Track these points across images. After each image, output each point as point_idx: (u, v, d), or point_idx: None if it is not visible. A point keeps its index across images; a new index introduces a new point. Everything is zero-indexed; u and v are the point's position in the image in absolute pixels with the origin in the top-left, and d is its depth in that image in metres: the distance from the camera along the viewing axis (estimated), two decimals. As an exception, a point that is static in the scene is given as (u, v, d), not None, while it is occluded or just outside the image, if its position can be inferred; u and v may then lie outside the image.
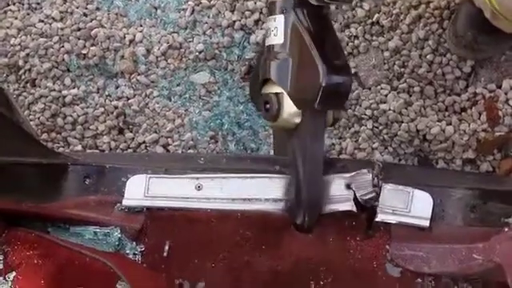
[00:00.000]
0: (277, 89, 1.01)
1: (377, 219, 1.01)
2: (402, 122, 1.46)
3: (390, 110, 1.47)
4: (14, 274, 0.91)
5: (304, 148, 1.02)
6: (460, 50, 1.44)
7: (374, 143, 1.46)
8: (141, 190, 1.06)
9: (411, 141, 1.45)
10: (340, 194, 1.03)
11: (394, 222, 1.01)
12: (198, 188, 1.06)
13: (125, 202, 1.06)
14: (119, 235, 1.03)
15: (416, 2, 1.50)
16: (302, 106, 0.99)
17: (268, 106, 1.02)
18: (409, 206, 1.01)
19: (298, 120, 1.01)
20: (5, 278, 0.91)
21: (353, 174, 1.02)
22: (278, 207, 1.04)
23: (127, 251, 1.03)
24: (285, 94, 1.00)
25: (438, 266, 0.97)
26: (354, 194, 1.02)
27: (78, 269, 0.93)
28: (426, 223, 1.01)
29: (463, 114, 1.45)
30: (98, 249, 1.01)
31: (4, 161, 0.98)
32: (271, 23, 1.02)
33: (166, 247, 1.06)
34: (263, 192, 1.05)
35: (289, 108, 1.00)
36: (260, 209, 1.04)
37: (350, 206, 1.01)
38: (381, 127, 1.46)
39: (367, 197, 1.02)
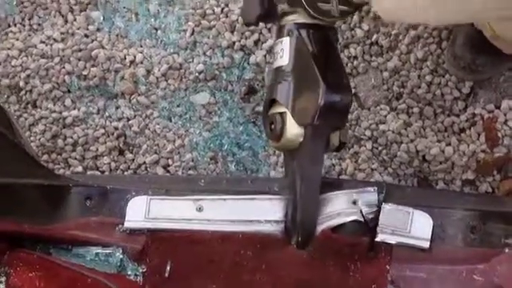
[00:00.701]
0: (282, 109, 1.03)
1: (377, 239, 1.02)
2: (402, 143, 1.46)
3: (389, 130, 1.48)
4: (16, 295, 0.92)
5: (302, 168, 1.03)
6: (459, 71, 1.45)
7: (373, 164, 1.47)
8: (142, 212, 1.07)
9: (411, 161, 1.45)
10: (346, 208, 1.03)
11: (393, 242, 1.02)
12: (199, 209, 1.07)
13: (126, 224, 1.06)
14: (121, 256, 1.03)
15: (415, 22, 1.51)
16: (303, 123, 1.01)
17: (273, 126, 1.04)
18: (409, 226, 1.02)
19: (300, 140, 1.02)
20: (7, 300, 0.91)
21: (359, 190, 1.03)
22: (277, 229, 1.05)
23: (129, 272, 1.04)
24: (288, 113, 1.02)
25: (438, 288, 0.98)
26: (360, 210, 1.03)
27: (80, 291, 0.93)
28: (426, 244, 1.01)
29: (462, 134, 1.46)
30: (100, 270, 1.01)
31: (6, 182, 0.99)
32: (278, 46, 1.06)
33: (168, 268, 1.06)
34: (263, 213, 1.06)
35: (292, 127, 1.02)
36: (260, 230, 1.05)
37: (356, 216, 1.02)
38: (380, 148, 1.47)
39: (371, 216, 1.03)
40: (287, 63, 1.04)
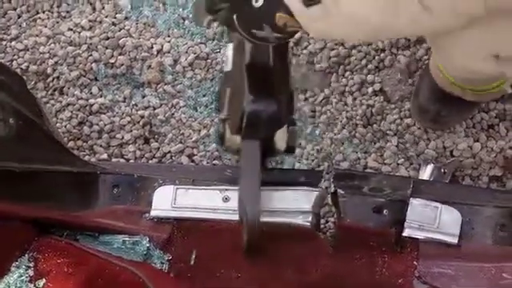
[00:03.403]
0: (223, 114, 1.06)
1: (404, 234, 1.01)
2: (429, 139, 1.45)
3: (414, 125, 1.47)
4: (43, 281, 0.92)
5: (242, 175, 1.03)
6: (425, 123, 1.45)
7: (399, 159, 1.46)
8: (168, 201, 1.07)
9: (438, 158, 1.44)
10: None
11: (421, 237, 1.01)
12: (226, 200, 1.07)
13: (153, 213, 1.07)
14: (147, 244, 1.04)
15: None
16: (233, 132, 1.03)
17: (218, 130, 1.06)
18: (437, 221, 1.01)
19: (238, 146, 1.04)
20: (35, 285, 0.91)
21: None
22: (304, 220, 1.05)
23: (155, 260, 1.04)
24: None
25: (466, 285, 0.97)
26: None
27: (108, 278, 0.93)
28: (455, 240, 1.00)
29: (491, 130, 1.44)
30: (126, 258, 1.01)
31: (35, 168, 0.99)
32: (226, 51, 1.06)
33: (193, 256, 1.06)
34: (290, 204, 1.06)
35: (229, 134, 1.05)
36: (287, 221, 1.05)
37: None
38: (407, 144, 1.46)
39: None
40: (229, 70, 1.04)
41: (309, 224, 1.03)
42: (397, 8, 0.79)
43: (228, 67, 1.05)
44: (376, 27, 0.83)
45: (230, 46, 1.04)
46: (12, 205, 0.94)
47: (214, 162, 1.51)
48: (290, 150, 1.06)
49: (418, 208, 1.02)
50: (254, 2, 0.84)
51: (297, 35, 1.53)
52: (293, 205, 1.05)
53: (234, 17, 0.87)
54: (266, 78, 1.00)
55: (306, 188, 1.06)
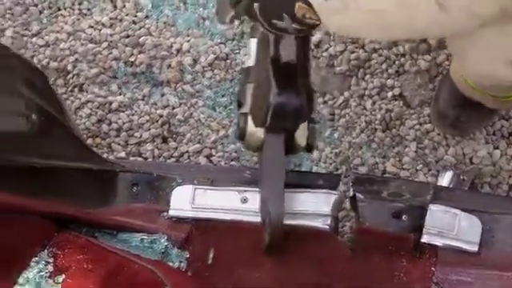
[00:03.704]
0: (246, 109, 1.05)
1: (423, 240, 1.01)
2: (448, 146, 1.45)
3: (434, 131, 1.46)
4: (63, 276, 0.92)
5: (265, 167, 1.04)
6: (446, 129, 1.45)
7: (418, 165, 1.45)
8: (187, 201, 1.07)
9: (457, 164, 1.43)
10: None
11: (440, 244, 1.01)
12: (244, 201, 1.07)
13: (171, 212, 1.07)
14: (166, 243, 1.04)
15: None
16: (258, 124, 1.03)
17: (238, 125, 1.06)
18: (456, 228, 1.01)
19: (261, 140, 1.04)
20: (54, 281, 0.92)
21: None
22: (323, 223, 1.04)
23: (173, 259, 1.04)
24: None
25: (485, 293, 0.97)
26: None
27: (126, 275, 0.94)
28: (474, 248, 0.99)
29: (511, 138, 1.44)
30: (144, 256, 1.01)
31: (55, 165, 1.00)
32: (249, 46, 1.06)
33: (211, 255, 1.06)
34: (309, 207, 1.05)
35: (252, 128, 1.04)
36: (306, 224, 1.05)
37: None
38: (426, 150, 1.45)
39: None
40: (252, 65, 1.05)
41: (328, 227, 1.03)
42: (414, 6, 0.79)
43: (251, 62, 1.06)
44: (394, 24, 0.83)
45: (254, 41, 1.05)
46: (33, 200, 0.94)
47: (231, 162, 1.51)
48: (309, 147, 1.06)
49: (437, 214, 1.01)
50: None
51: (317, 38, 1.54)
52: (312, 207, 1.05)
53: (256, 6, 0.87)
54: (290, 71, 1.00)
55: (325, 191, 1.06)
